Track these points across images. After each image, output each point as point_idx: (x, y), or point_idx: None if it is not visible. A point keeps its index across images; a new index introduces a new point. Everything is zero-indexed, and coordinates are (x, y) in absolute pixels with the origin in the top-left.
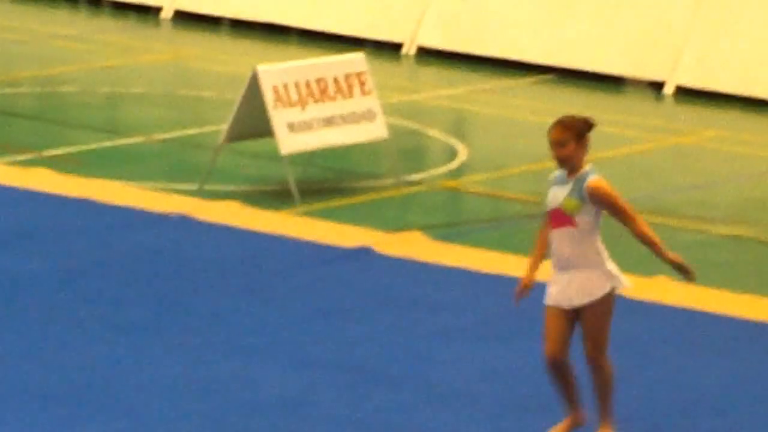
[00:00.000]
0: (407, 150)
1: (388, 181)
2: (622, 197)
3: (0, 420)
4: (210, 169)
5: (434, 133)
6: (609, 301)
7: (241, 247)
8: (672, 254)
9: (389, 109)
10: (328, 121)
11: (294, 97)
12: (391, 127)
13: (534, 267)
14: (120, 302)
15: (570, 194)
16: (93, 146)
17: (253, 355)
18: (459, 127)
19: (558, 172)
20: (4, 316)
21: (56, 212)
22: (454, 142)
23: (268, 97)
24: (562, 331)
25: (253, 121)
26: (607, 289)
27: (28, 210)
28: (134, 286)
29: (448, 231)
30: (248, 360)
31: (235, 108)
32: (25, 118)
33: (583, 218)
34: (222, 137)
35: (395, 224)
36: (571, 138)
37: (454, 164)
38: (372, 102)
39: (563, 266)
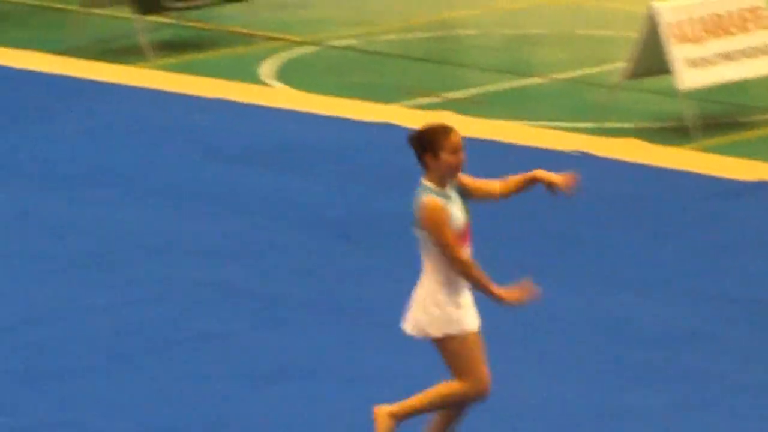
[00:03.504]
0: None
1: None
2: None
3: (397, 360)
4: (609, 107)
5: None
6: None
7: (640, 183)
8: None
9: None
10: (726, 56)
11: (691, 32)
12: None
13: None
14: (524, 242)
15: (465, 203)
16: (493, 88)
17: (649, 289)
18: None
19: (431, 187)
20: (404, 258)
21: None
22: None
23: (666, 34)
24: None
25: (651, 58)
26: None
27: None
28: (529, 222)
29: None
30: (643, 293)
31: (633, 46)
32: (425, 62)
33: None
34: (620, 75)
35: None
36: None
37: None
38: None
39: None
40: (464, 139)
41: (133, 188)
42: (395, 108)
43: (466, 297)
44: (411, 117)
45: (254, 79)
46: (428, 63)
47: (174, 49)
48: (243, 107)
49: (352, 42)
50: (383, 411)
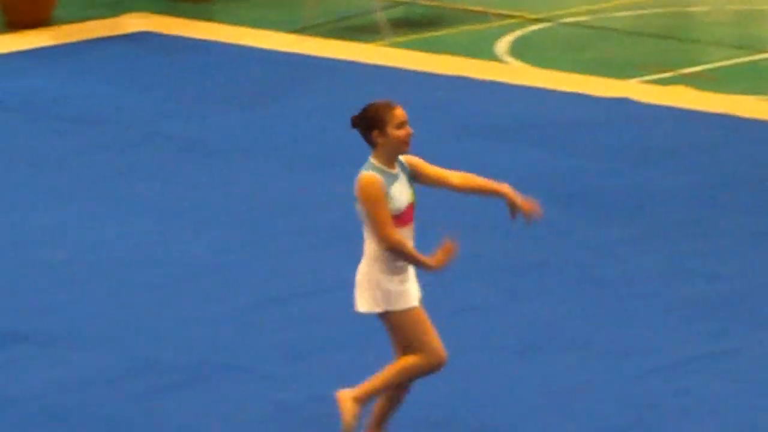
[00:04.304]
0: None
1: None
2: None
3: (653, 331)
4: None
5: None
6: None
7: None
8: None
9: None
10: None
11: None
12: None
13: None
14: (762, 212)
15: (411, 185)
16: (727, 63)
17: None
18: None
19: (375, 164)
20: (647, 231)
21: (696, 128)
22: None
23: None
24: None
25: None
26: None
27: (669, 127)
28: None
29: None
30: None
31: None
32: (657, 38)
33: None
34: None
35: None
36: None
37: None
38: None
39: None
40: (699, 113)
41: None
42: (630, 83)
43: (408, 272)
44: (646, 92)
45: (490, 56)
46: (660, 38)
47: (408, 26)
48: (483, 84)
49: (585, 18)
50: (346, 396)
